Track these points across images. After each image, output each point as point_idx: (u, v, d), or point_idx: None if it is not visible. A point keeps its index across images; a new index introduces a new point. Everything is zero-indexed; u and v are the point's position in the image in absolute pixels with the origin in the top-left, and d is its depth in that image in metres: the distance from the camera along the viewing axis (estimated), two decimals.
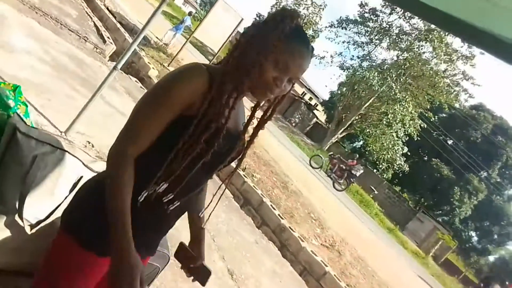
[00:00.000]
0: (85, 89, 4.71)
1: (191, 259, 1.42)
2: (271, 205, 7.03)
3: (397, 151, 24.75)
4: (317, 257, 6.39)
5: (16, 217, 1.57)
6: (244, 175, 7.31)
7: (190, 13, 17.00)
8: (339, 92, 28.60)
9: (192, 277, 1.42)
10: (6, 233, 1.59)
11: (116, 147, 1.06)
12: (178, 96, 1.06)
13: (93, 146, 3.47)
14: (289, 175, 9.92)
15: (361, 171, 16.48)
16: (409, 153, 26.02)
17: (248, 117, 1.31)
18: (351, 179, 15.97)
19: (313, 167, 15.71)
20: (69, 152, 1.63)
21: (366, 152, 29.69)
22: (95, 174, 1.44)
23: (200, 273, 1.40)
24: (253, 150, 8.83)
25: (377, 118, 24.60)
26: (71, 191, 1.61)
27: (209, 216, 1.40)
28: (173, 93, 1.06)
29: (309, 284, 5.72)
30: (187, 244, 1.46)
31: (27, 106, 2.01)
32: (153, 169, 1.10)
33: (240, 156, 1.28)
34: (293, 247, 6.41)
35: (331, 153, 18.35)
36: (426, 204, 32.39)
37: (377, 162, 27.31)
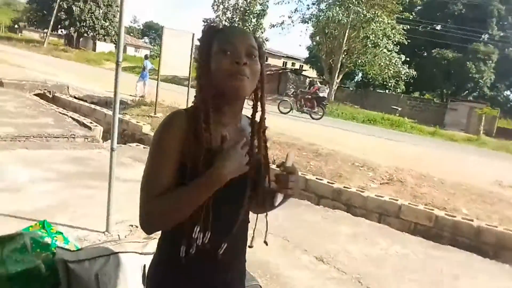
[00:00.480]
0: (98, 181, 4.76)
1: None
2: (316, 178, 7.01)
3: (396, 63, 24.43)
4: (384, 197, 6.35)
5: None
6: (276, 167, 7.29)
7: (146, 56, 17.01)
8: (314, 43, 28.26)
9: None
10: None
11: (140, 213, 1.11)
12: (167, 145, 1.10)
13: (137, 227, 3.50)
14: (314, 142, 9.85)
15: (327, 90, 17.22)
16: (408, 58, 25.64)
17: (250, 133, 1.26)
18: (323, 102, 16.18)
19: (283, 112, 15.79)
20: (121, 252, 1.64)
21: (370, 80, 29.36)
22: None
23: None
24: (271, 141, 8.80)
25: (362, 45, 24.30)
26: (144, 283, 1.62)
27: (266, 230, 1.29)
28: (163, 144, 1.11)
29: (392, 225, 5.67)
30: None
31: (61, 233, 2.04)
32: (182, 225, 1.11)
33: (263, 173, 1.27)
34: (358, 202, 6.39)
35: (292, 91, 18.25)
36: (450, 93, 31.87)
37: (385, 83, 26.97)
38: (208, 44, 1.16)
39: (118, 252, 1.65)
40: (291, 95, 17.48)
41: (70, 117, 8.25)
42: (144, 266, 1.65)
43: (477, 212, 6.58)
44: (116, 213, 3.60)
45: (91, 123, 7.95)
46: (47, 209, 3.69)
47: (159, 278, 1.19)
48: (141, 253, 1.71)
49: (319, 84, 17.62)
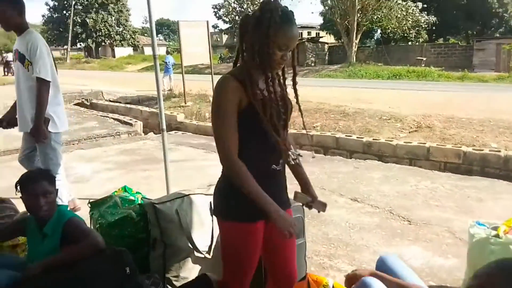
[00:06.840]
0: (150, 164, 5.39)
1: (308, 200, 1.77)
2: (345, 135, 7.40)
3: (414, 13, 23.92)
4: (413, 142, 6.68)
5: (196, 253, 2.14)
6: (307, 132, 7.72)
7: (167, 52, 17.60)
8: (326, 8, 28.00)
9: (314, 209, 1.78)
10: (197, 266, 2.17)
11: (223, 157, 1.49)
12: (228, 107, 1.46)
13: None
14: (341, 104, 10.17)
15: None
16: (425, 5, 24.98)
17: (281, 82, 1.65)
18: None
19: None
20: (192, 194, 2.18)
21: (390, 35, 28.84)
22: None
23: (319, 206, 1.77)
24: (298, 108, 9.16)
25: (375, 1, 23.87)
26: (212, 214, 2.14)
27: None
28: (224, 107, 1.47)
29: (422, 167, 5.96)
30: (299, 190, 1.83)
31: (140, 193, 2.60)
32: (254, 154, 1.52)
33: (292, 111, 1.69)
34: (388, 151, 6.74)
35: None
36: (475, 33, 30.81)
37: (405, 35, 26.48)
38: (276, 23, 1.41)
39: (190, 194, 2.18)
40: None
41: (111, 118, 8.96)
42: (210, 203, 2.17)
43: (505, 144, 6.79)
44: (172, 187, 4.14)
45: (130, 120, 8.63)
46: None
47: (227, 190, 1.59)
48: (206, 194, 2.24)
49: None
